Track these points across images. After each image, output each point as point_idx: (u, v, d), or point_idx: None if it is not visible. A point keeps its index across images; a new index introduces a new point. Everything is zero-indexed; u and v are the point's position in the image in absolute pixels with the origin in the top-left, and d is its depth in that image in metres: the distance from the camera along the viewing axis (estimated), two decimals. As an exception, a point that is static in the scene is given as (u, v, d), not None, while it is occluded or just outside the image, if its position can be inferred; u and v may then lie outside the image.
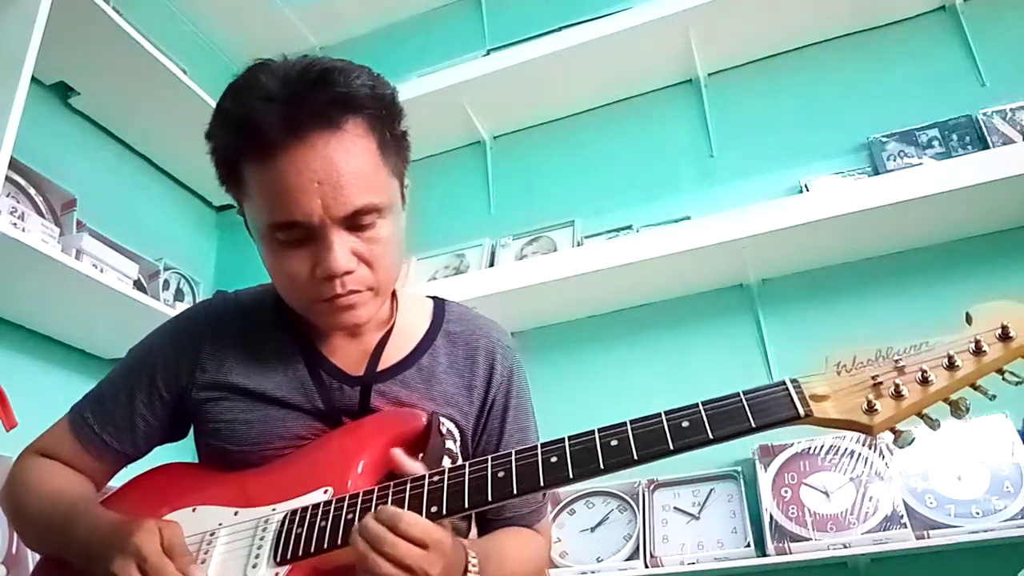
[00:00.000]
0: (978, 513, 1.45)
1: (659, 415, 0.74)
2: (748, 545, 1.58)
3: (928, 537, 1.45)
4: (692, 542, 1.65)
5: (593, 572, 1.66)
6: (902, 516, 1.48)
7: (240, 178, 0.85)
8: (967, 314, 0.71)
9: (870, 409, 0.68)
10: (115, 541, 0.77)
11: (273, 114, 0.80)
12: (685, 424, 0.72)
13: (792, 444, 1.68)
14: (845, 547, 1.48)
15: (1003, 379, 0.67)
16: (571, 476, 0.74)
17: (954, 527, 1.44)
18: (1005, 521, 1.42)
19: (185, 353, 0.96)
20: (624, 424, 0.75)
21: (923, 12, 2.02)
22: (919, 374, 0.68)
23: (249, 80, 0.84)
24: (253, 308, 0.99)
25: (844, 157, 1.97)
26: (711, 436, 0.71)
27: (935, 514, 1.47)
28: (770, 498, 1.61)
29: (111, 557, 0.75)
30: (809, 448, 1.66)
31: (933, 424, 0.68)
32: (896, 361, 0.70)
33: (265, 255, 0.88)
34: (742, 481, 1.70)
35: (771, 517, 1.58)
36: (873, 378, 0.70)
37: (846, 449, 1.63)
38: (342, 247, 0.82)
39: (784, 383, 0.72)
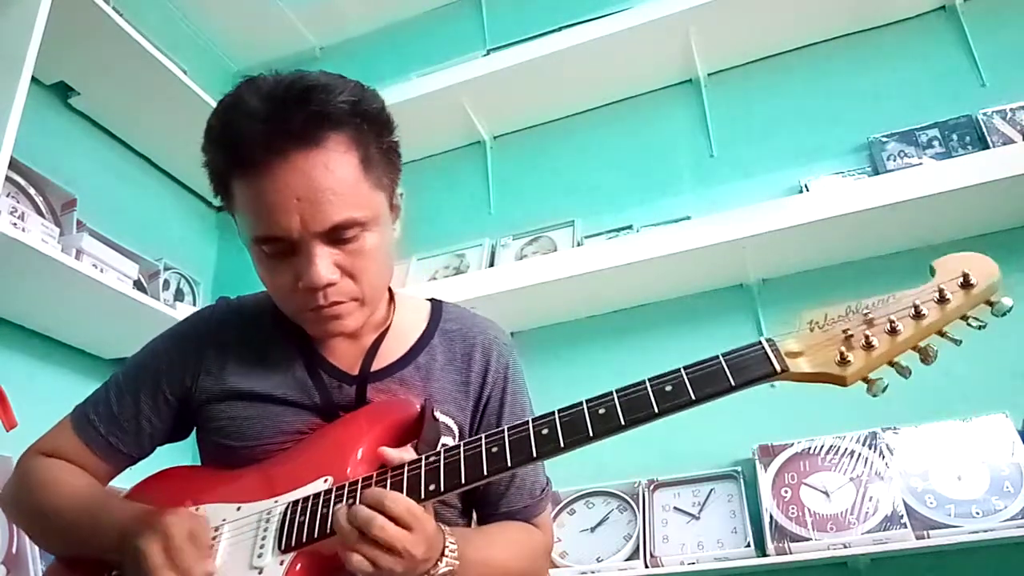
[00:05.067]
0: (978, 513, 1.45)
1: (643, 382, 0.77)
2: (748, 545, 1.58)
3: (928, 537, 1.45)
4: (692, 542, 1.65)
5: (593, 572, 1.66)
6: (902, 516, 1.48)
7: (229, 192, 0.88)
8: (930, 266, 0.74)
9: (843, 361, 0.71)
10: (148, 521, 0.81)
11: (254, 132, 0.82)
12: (668, 388, 0.75)
13: (792, 444, 1.68)
14: (845, 547, 1.49)
15: (968, 324, 0.70)
16: (562, 445, 0.77)
17: (954, 527, 1.44)
18: (1005, 521, 1.42)
19: (189, 357, 0.98)
20: (610, 393, 0.78)
21: (923, 12, 2.02)
22: (887, 325, 0.71)
23: (235, 97, 0.86)
24: (254, 312, 1.02)
25: (844, 157, 1.97)
26: (693, 397, 0.74)
27: (935, 514, 1.47)
28: (770, 498, 1.61)
29: (141, 533, 0.79)
30: (809, 448, 1.66)
31: (904, 371, 0.71)
32: (865, 314, 0.73)
33: (255, 265, 0.91)
34: (742, 481, 1.70)
35: (771, 517, 1.58)
36: (844, 332, 0.73)
37: (846, 449, 1.63)
38: (323, 260, 0.84)
39: (760, 342, 0.76)
